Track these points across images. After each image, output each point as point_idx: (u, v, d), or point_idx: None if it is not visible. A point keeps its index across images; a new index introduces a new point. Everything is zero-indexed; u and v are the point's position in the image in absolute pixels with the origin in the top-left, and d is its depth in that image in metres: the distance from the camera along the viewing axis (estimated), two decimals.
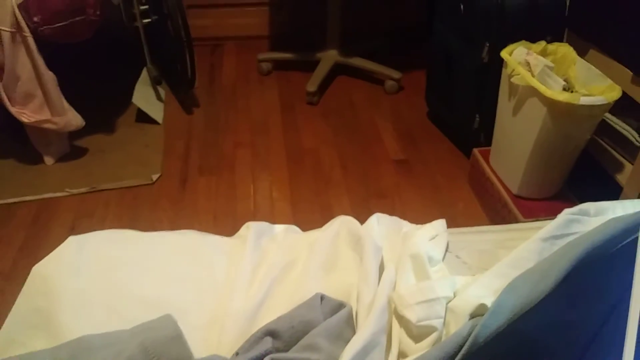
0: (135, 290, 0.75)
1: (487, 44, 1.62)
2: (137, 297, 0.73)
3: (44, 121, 1.73)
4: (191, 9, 2.45)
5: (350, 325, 0.71)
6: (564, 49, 1.48)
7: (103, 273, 0.76)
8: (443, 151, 1.99)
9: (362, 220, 0.92)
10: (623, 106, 1.40)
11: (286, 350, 0.66)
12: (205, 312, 0.74)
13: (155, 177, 1.82)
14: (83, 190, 1.76)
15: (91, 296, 0.72)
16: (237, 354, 0.67)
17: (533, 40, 1.49)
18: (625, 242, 0.64)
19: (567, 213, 0.83)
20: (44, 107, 1.72)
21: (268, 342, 0.66)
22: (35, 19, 1.58)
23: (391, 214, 0.96)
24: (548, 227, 0.80)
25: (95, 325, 0.64)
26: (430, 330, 0.67)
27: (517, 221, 1.49)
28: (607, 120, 1.53)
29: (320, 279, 0.78)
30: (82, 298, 0.71)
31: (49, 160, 1.87)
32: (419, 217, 0.99)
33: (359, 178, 1.85)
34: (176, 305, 0.73)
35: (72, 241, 0.79)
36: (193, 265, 0.80)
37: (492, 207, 1.65)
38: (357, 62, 2.35)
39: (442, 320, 0.68)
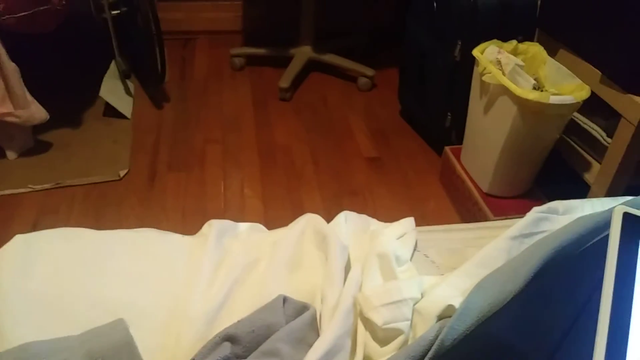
0: (87, 292, 0.70)
1: (460, 43, 1.62)
2: (89, 299, 0.69)
3: (5, 114, 1.67)
4: (162, 1, 2.40)
5: (314, 329, 0.68)
6: (534, 49, 1.48)
7: (52, 273, 0.71)
8: (415, 149, 1.98)
9: (333, 217, 0.90)
10: (591, 106, 1.40)
11: (245, 356, 0.63)
12: (162, 316, 0.70)
13: (122, 173, 1.77)
14: (47, 186, 1.71)
15: (39, 298, 0.68)
16: None
17: (505, 39, 1.49)
18: (594, 241, 0.64)
19: (536, 211, 0.82)
20: (6, 100, 1.66)
21: (227, 348, 0.63)
22: None
23: (363, 211, 0.94)
24: (517, 225, 0.79)
25: (42, 329, 0.60)
26: (396, 333, 0.66)
27: (487, 219, 1.49)
28: (575, 119, 1.54)
29: (284, 279, 0.75)
30: (29, 300, 0.67)
31: (11, 155, 1.81)
32: (391, 214, 0.97)
33: (331, 175, 1.83)
34: (131, 308, 0.69)
35: (18, 239, 0.74)
36: (150, 266, 0.76)
37: (463, 204, 1.65)
38: (331, 58, 2.33)
39: (409, 322, 0.66)
